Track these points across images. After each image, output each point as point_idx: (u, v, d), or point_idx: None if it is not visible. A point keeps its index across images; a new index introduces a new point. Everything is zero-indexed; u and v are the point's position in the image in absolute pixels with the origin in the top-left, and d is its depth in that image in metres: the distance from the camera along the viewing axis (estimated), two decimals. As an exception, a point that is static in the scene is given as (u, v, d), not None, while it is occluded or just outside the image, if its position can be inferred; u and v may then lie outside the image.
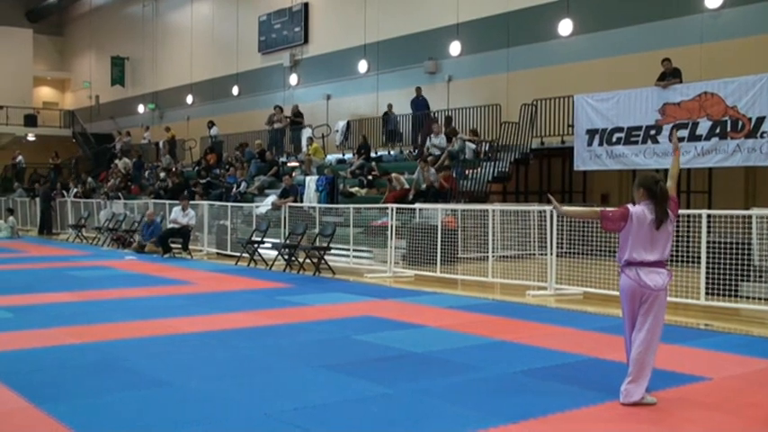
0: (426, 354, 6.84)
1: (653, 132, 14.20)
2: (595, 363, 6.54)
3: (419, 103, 20.58)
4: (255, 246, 15.37)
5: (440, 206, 13.48)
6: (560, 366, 6.36)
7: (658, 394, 5.36)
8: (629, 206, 5.33)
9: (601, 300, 10.14)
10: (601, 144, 15.01)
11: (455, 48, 20.88)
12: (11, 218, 24.75)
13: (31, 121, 39.32)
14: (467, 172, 16.86)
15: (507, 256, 12.31)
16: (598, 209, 5.53)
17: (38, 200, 26.62)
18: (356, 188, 18.36)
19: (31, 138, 38.93)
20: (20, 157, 34.20)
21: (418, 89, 20.69)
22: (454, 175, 16.51)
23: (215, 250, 17.69)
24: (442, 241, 12.60)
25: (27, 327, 8.15)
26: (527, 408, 5.11)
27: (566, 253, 11.25)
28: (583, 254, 10.65)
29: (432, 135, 18.35)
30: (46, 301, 10.16)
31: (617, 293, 5.78)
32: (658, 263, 5.26)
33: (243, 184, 21.12)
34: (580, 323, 8.54)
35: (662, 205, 5.22)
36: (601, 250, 10.06)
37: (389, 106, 21.50)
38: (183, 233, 17.24)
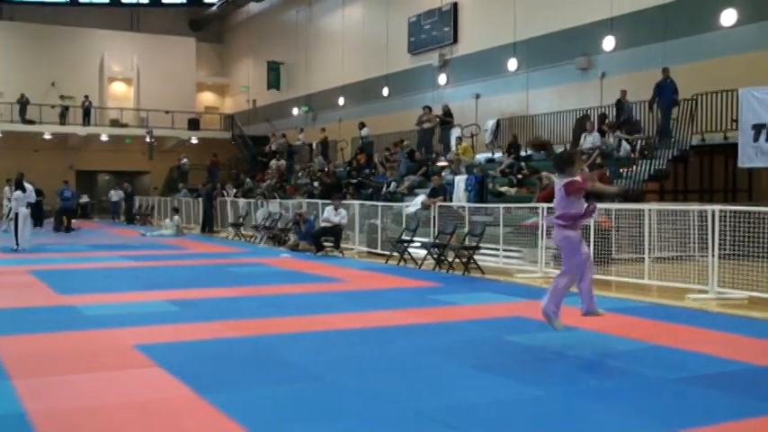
0: (579, 356, 6.67)
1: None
2: (762, 372, 6.17)
3: (666, 87, 17.05)
4: (405, 244, 15.52)
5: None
6: (723, 375, 6.03)
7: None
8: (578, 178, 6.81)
9: (768, 305, 9.56)
10: (768, 140, 14.16)
11: (609, 43, 20.28)
12: (176, 216, 26.07)
13: (193, 124, 41.54)
14: (621, 170, 16.34)
15: (665, 258, 11.82)
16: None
17: (200, 200, 27.94)
18: (506, 187, 18.18)
19: (193, 141, 41.03)
20: (184, 160, 36.01)
21: (665, 70, 17.19)
22: (608, 173, 16.03)
23: (366, 249, 17.98)
24: (595, 242, 12.26)
25: (190, 319, 8.59)
26: (686, 416, 4.88)
27: (729, 254, 10.67)
28: (748, 256, 10.07)
29: (585, 133, 17.90)
30: (207, 295, 10.64)
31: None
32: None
33: (392, 184, 21.38)
34: (745, 329, 8.08)
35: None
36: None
37: (623, 93, 18.60)
38: (335, 232, 17.65)
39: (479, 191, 17.44)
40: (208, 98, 47.01)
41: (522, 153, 20.36)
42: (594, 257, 12.17)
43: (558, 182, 6.93)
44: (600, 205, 13.36)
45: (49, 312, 9.05)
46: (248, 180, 30.45)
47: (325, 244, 17.77)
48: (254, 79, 41.81)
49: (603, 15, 20.43)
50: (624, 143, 17.35)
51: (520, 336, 7.61)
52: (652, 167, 15.95)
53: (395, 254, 15.75)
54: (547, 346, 7.09)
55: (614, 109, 18.85)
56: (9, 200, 20.10)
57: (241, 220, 24.44)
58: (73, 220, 27.56)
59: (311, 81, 35.82)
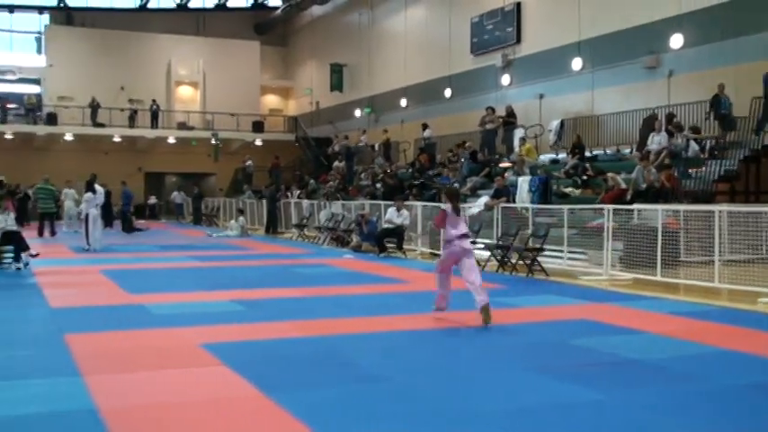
0: (645, 361, 6.56)
1: None
2: (838, 378, 5.98)
3: None
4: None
5: (660, 207, 12.88)
6: (797, 380, 5.88)
7: None
8: (443, 206, 8.72)
9: None
10: None
11: (677, 40, 19.87)
12: (241, 217, 26.48)
13: (258, 127, 42.09)
14: (690, 171, 16.00)
15: (736, 261, 11.53)
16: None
17: (264, 201, 28.29)
18: (570, 188, 17.97)
19: (258, 143, 41.59)
20: (249, 161, 36.46)
21: None
22: (675, 173, 15.71)
23: (428, 250, 17.96)
24: (662, 243, 12.03)
25: (256, 319, 8.73)
26: (758, 426, 4.77)
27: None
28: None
29: (653, 133, 17.58)
30: (273, 295, 10.79)
31: None
32: (465, 235, 8.66)
33: (456, 185, 21.32)
34: (820, 334, 7.84)
35: (455, 202, 8.68)
36: None
37: (721, 87, 17.32)
38: (398, 233, 17.69)
39: (543, 192, 17.26)
40: (272, 101, 47.62)
41: (588, 153, 20.10)
42: (662, 260, 11.95)
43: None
44: (667, 206, 13.14)
45: (120, 311, 9.30)
46: (312, 181, 30.72)
47: (388, 245, 17.83)
48: (317, 81, 42.19)
49: (671, 12, 20.03)
50: (693, 143, 16.98)
51: (584, 339, 7.52)
52: (722, 168, 15.58)
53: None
54: (612, 350, 6.98)
55: (708, 105, 17.59)
56: (76, 201, 20.64)
57: (305, 221, 24.66)
58: (141, 221, 28.16)
59: (374, 83, 35.98)
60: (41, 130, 38.19)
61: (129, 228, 26.90)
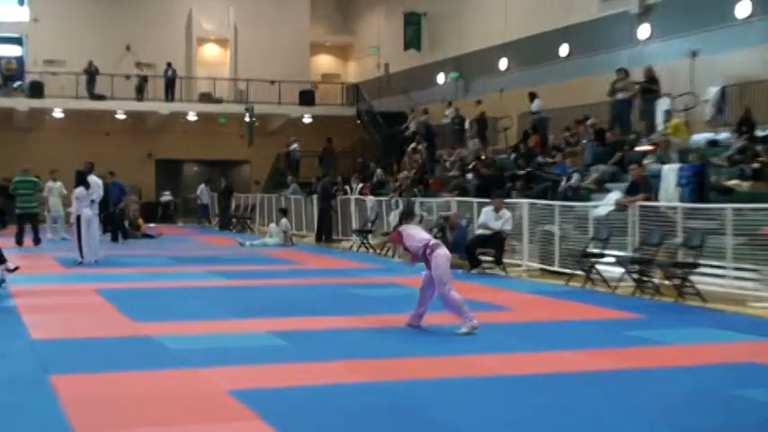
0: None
1: None
2: None
3: None
4: (593, 260, 15.29)
5: None
6: None
7: None
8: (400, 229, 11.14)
9: None
10: None
11: None
12: (283, 220, 26.38)
13: (307, 98, 42.18)
14: None
15: None
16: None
17: (315, 198, 28.38)
18: (736, 181, 17.62)
19: (307, 119, 41.86)
20: (295, 145, 36.59)
21: None
22: None
23: (537, 265, 17.82)
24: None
25: (302, 358, 8.76)
26: None
27: None
28: None
29: None
30: (325, 325, 10.84)
31: None
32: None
33: (575, 176, 21.09)
34: None
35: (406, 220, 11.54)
36: None
37: None
38: (497, 242, 17.56)
39: (698, 186, 16.96)
40: (326, 63, 47.95)
41: (760, 132, 19.66)
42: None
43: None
44: None
45: (122, 344, 9.45)
46: (378, 171, 30.77)
47: (482, 258, 17.75)
48: (386, 37, 42.29)
49: None
50: None
51: (756, 390, 7.37)
52: None
53: (578, 272, 15.57)
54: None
55: None
56: (63, 198, 20.56)
57: (369, 225, 24.70)
58: (150, 225, 28.37)
59: (463, 38, 35.81)
60: (22, 104, 38.92)
61: (118, 233, 26.39)
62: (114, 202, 26.04)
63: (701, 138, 21.43)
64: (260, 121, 40.52)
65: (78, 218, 18.69)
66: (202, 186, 37.60)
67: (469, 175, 25.01)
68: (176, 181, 42.93)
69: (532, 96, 27.98)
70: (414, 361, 8.67)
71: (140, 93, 39.91)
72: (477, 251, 17.74)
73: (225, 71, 43.89)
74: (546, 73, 30.23)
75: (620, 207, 16.71)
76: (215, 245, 26.22)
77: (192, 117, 41.07)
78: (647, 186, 17.42)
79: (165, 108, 40.43)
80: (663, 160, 19.18)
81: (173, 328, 10.48)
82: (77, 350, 9.16)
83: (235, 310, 12.11)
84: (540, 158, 24.35)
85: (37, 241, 23.93)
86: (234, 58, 44.09)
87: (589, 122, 23.98)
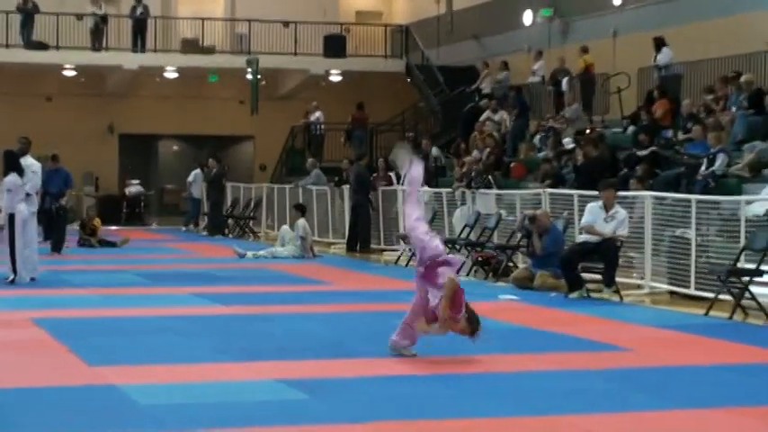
0: None
1: None
2: None
3: None
4: (746, 279, 15.19)
5: None
6: None
7: None
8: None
9: None
10: None
11: None
12: (300, 221, 26.33)
13: (335, 46, 42.01)
14: None
15: None
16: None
17: (347, 190, 28.57)
18: None
19: (334, 78, 41.93)
20: (317, 114, 36.65)
21: None
22: None
23: (665, 287, 17.75)
24: None
25: (330, 418, 8.68)
26: None
27: None
28: None
29: None
30: (360, 372, 10.86)
31: None
32: None
33: (720, 158, 20.94)
34: None
35: None
36: None
37: None
38: (607, 253, 17.47)
39: None
40: (361, -1, 48.10)
41: None
42: None
43: None
44: None
45: (71, 398, 9.43)
46: (435, 151, 30.79)
47: (586, 276, 17.72)
48: (448, -41, 42.34)
49: None
50: None
51: None
52: None
53: (724, 297, 15.46)
54: None
55: None
56: None
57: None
58: (112, 228, 28.52)
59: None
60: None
61: (61, 240, 26.34)
62: (55, 195, 25.83)
63: None
64: (267, 79, 40.62)
65: (11, 218, 18.68)
66: (197, 172, 37.04)
67: (568, 158, 24.96)
68: (148, 165, 43.22)
69: (659, 44, 27.84)
70: (487, 423, 8.59)
71: (97, 40, 40.07)
72: (579, 266, 17.71)
73: (218, 9, 44.10)
74: (676, 11, 30.03)
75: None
76: (203, 256, 26.34)
77: (170, 74, 41.45)
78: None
79: (132, 61, 40.64)
80: None
81: (143, 376, 10.48)
82: (7, 408, 9.12)
83: (231, 349, 12.13)
84: (669, 133, 24.25)
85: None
86: (230, -9, 44.35)
87: (742, 80, 23.81)
